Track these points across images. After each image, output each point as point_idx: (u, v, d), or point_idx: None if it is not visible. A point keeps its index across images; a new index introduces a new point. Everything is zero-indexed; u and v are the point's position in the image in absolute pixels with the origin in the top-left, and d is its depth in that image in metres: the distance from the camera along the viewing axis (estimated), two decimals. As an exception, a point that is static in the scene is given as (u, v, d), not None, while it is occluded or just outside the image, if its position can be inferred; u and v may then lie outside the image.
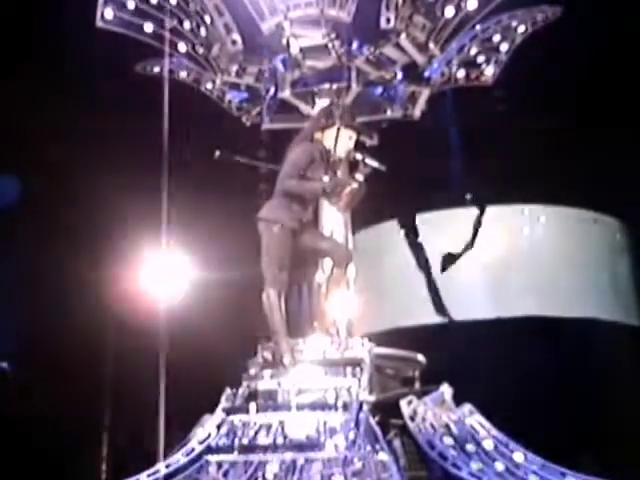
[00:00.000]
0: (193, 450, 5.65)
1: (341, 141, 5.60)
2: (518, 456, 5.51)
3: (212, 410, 5.87)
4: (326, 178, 5.47)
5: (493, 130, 8.42)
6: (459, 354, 7.80)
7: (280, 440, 5.33)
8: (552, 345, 8.14)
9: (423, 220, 9.23)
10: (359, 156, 5.62)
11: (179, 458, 5.68)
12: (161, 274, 9.03)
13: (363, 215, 6.55)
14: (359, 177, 5.57)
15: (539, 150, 8.44)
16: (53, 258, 8.52)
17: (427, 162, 8.47)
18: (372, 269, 8.90)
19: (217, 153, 5.84)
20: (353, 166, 5.71)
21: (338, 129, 5.57)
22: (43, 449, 7.71)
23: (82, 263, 8.58)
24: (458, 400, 5.84)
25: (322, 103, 6.18)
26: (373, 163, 5.64)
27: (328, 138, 5.60)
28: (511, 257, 9.11)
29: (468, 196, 9.07)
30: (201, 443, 5.64)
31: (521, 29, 6.59)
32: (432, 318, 8.96)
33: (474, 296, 8.98)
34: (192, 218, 8.26)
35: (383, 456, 5.20)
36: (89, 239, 8.72)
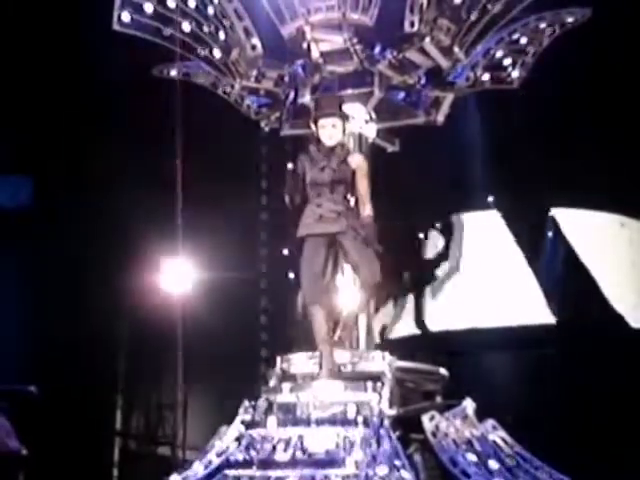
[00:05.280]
0: (211, 463, 5.59)
1: (323, 132, 5.48)
2: (542, 474, 5.40)
3: (229, 421, 5.80)
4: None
5: (515, 131, 8.27)
6: (479, 362, 7.70)
7: (299, 455, 5.25)
8: (575, 353, 8.00)
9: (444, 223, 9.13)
10: (371, 132, 5.48)
11: (196, 471, 5.62)
12: (178, 277, 9.00)
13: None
14: (353, 159, 5.45)
15: (564, 152, 8.27)
16: (69, 260, 8.49)
17: (448, 164, 8.35)
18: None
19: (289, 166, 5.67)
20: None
21: (315, 121, 5.49)
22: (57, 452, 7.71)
23: (97, 265, 8.56)
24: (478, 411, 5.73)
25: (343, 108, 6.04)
26: (383, 143, 5.55)
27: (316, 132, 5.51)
28: (532, 262, 8.98)
29: (490, 199, 8.93)
30: (219, 456, 5.57)
31: (549, 31, 6.39)
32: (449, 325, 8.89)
33: (495, 303, 8.85)
34: (207, 220, 8.21)
35: (404, 473, 5.11)
36: (105, 241, 8.69)
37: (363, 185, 5.49)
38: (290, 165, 5.63)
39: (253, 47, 6.14)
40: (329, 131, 5.50)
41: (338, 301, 5.74)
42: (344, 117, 5.57)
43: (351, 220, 5.45)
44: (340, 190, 5.49)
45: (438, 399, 5.79)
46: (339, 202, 5.48)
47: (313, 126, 5.56)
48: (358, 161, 5.55)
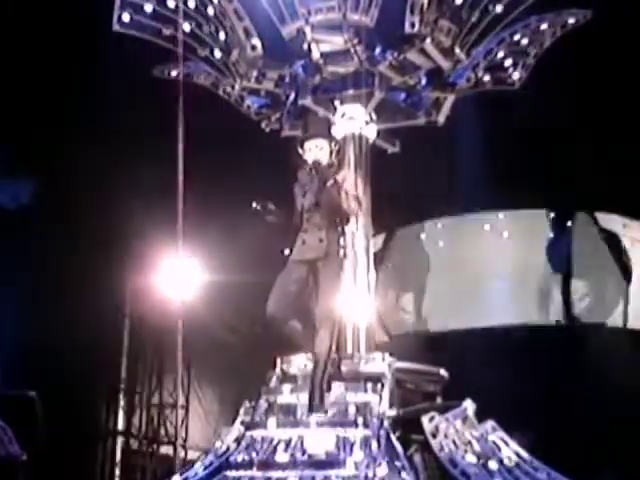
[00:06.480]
0: (212, 464, 5.59)
1: (309, 155, 5.30)
2: (541, 474, 5.40)
3: (229, 422, 5.80)
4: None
5: (515, 132, 8.26)
6: (482, 361, 7.70)
7: (299, 456, 5.24)
8: (576, 353, 8.00)
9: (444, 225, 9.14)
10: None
11: (197, 471, 5.62)
12: (178, 278, 9.01)
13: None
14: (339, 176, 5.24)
15: (565, 154, 8.27)
16: (71, 260, 8.49)
17: (447, 167, 8.35)
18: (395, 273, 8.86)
19: (254, 205, 5.52)
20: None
21: (302, 141, 5.33)
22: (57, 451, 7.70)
23: (98, 265, 8.56)
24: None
25: (343, 109, 6.04)
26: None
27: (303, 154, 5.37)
28: (534, 262, 8.97)
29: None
30: (219, 457, 5.58)
31: (550, 32, 6.38)
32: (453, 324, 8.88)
33: (499, 302, 8.85)
34: (209, 222, 8.22)
35: (404, 474, 5.11)
36: (106, 242, 8.69)
37: (349, 201, 5.32)
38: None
39: (253, 47, 6.13)
40: (314, 153, 5.32)
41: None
42: (330, 139, 5.39)
43: (332, 247, 5.32)
44: (324, 214, 5.31)
45: (438, 400, 5.79)
46: (323, 227, 5.32)
47: (300, 149, 5.37)
48: (343, 176, 5.35)
